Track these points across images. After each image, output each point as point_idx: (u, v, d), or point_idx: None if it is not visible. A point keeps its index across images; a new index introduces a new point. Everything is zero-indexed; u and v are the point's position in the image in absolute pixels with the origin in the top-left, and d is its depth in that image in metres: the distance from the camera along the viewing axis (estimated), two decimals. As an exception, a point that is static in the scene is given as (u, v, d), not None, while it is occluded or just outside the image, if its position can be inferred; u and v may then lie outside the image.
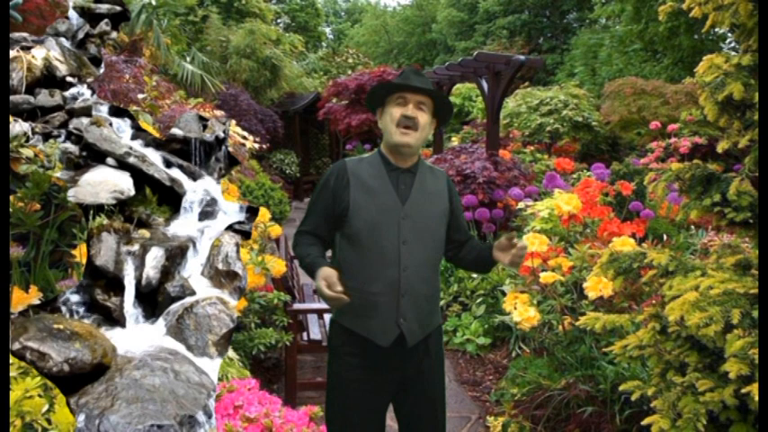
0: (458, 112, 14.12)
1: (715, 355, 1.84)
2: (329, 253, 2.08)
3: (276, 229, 4.33)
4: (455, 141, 11.47)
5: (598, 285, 2.87)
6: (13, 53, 3.66)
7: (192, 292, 2.91)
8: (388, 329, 1.89)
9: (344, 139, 12.80)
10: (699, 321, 1.74)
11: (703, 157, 7.29)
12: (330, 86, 12.22)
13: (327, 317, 4.01)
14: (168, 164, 3.85)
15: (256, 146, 7.09)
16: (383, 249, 1.89)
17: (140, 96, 4.85)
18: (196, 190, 3.72)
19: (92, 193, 3.01)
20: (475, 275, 4.81)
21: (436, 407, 2.07)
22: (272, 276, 3.60)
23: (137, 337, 2.55)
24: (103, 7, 5.55)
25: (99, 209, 2.97)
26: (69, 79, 4.20)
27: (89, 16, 5.38)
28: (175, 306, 2.81)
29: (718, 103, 2.00)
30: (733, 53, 2.17)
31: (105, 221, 2.84)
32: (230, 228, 3.58)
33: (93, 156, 3.39)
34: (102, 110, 3.99)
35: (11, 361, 1.80)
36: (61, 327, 2.12)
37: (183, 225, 3.47)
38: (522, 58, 6.15)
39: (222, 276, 3.06)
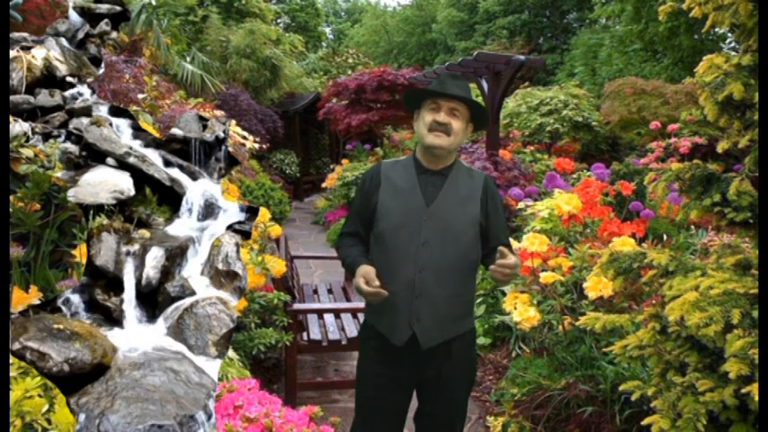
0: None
1: (715, 355, 1.84)
2: None
3: (276, 229, 4.33)
4: (455, 141, 11.45)
5: (598, 285, 2.87)
6: (13, 53, 3.66)
7: (192, 292, 2.92)
8: (402, 329, 1.92)
9: (344, 139, 12.80)
10: (699, 321, 1.74)
11: (703, 157, 7.29)
12: (330, 86, 12.22)
13: (327, 317, 4.01)
14: (168, 164, 3.85)
15: (256, 146, 7.09)
16: (403, 249, 1.91)
17: (140, 96, 4.85)
18: (196, 190, 3.73)
19: (92, 193, 3.01)
20: (475, 275, 4.80)
21: (455, 412, 2.06)
22: (272, 276, 3.60)
23: (137, 337, 2.55)
24: (103, 7, 5.55)
25: (99, 209, 2.97)
26: (69, 79, 4.20)
27: (89, 16, 5.38)
28: (175, 306, 2.82)
29: (718, 103, 2.00)
30: (733, 53, 2.17)
31: (105, 221, 2.85)
32: (230, 228, 3.58)
33: (93, 156, 3.39)
34: (102, 110, 3.99)
35: (11, 361, 1.80)
36: (61, 327, 2.12)
37: (183, 225, 3.48)
38: (522, 58, 6.15)
39: (222, 276, 3.06)
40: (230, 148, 4.79)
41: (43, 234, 2.54)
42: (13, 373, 1.73)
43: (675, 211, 4.86)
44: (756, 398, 1.56)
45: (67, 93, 4.01)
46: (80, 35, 5.02)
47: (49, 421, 1.67)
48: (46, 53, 4.04)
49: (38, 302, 2.33)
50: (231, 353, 3.01)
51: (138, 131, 4.04)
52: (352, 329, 3.75)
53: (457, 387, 2.04)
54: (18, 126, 2.99)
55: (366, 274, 1.84)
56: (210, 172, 4.25)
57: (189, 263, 3.08)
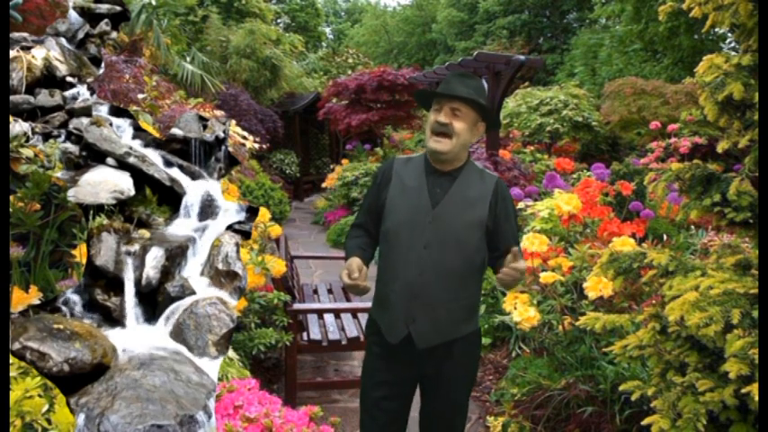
0: (458, 112, 14.10)
1: (715, 355, 1.84)
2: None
3: (276, 229, 4.33)
4: (455, 141, 11.45)
5: (598, 285, 2.87)
6: (13, 53, 3.66)
7: (192, 292, 2.91)
8: (397, 328, 1.92)
9: (344, 139, 12.81)
10: (699, 321, 1.74)
11: (703, 157, 7.29)
12: (330, 86, 12.23)
13: (327, 317, 4.01)
14: (168, 164, 3.85)
15: (256, 146, 7.09)
16: (406, 250, 1.91)
17: (140, 96, 4.84)
18: (196, 190, 3.72)
19: (92, 193, 3.01)
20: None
21: (455, 412, 2.06)
22: (272, 276, 3.60)
23: (137, 337, 2.55)
24: (103, 7, 5.55)
25: (99, 209, 2.96)
26: (69, 79, 4.20)
27: (89, 16, 5.38)
28: (175, 306, 2.81)
29: (718, 103, 2.00)
30: (733, 53, 2.17)
31: (105, 221, 2.84)
32: (230, 228, 3.58)
33: (93, 156, 3.39)
34: (102, 110, 3.99)
35: (11, 361, 1.80)
36: (61, 327, 2.12)
37: (183, 225, 3.47)
38: (522, 58, 6.15)
39: (222, 276, 3.06)
40: (230, 148, 4.79)
41: (43, 234, 2.54)
42: (13, 373, 1.73)
43: (675, 211, 4.86)
44: (756, 398, 1.56)
45: (67, 93, 4.01)
46: (80, 35, 5.01)
47: (49, 421, 1.67)
48: (46, 53, 4.04)
49: (38, 302, 2.33)
50: (231, 353, 3.01)
51: (138, 131, 4.04)
52: (352, 329, 3.75)
53: (458, 387, 2.03)
54: (18, 126, 2.99)
55: (349, 266, 1.86)
56: (210, 172, 4.25)
57: (189, 263, 3.08)
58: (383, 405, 2.04)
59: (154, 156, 3.77)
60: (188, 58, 9.40)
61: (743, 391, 1.62)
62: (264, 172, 9.89)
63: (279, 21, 19.63)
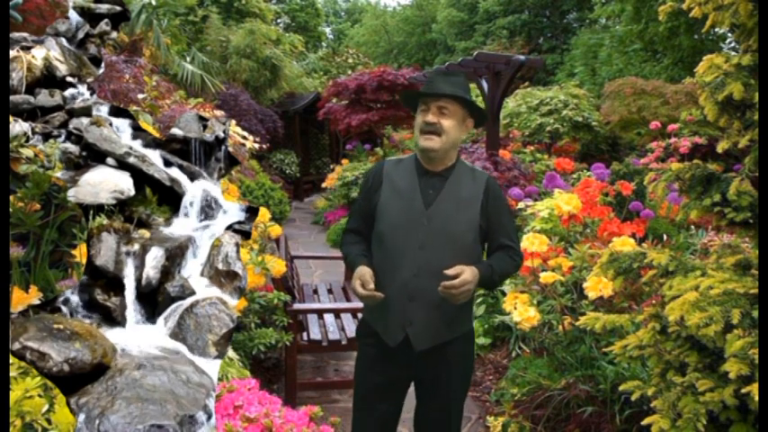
0: (458, 112, 14.09)
1: (715, 355, 1.84)
2: None
3: (276, 229, 4.33)
4: (455, 141, 11.45)
5: (598, 285, 2.87)
6: (13, 53, 3.66)
7: (192, 292, 2.92)
8: (395, 331, 1.92)
9: (344, 139, 12.81)
10: (699, 321, 1.74)
11: (703, 157, 7.29)
12: (330, 86, 12.22)
13: (327, 317, 4.01)
14: (168, 164, 3.85)
15: (256, 146, 7.08)
16: (400, 252, 1.90)
17: (140, 96, 4.84)
18: (196, 190, 3.72)
19: (92, 193, 3.01)
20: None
21: (450, 415, 2.06)
22: (272, 276, 3.60)
23: (137, 337, 2.55)
24: (103, 7, 5.55)
25: (99, 209, 2.97)
26: (69, 79, 4.20)
27: (89, 16, 5.38)
28: (175, 306, 2.82)
29: (718, 103, 2.00)
30: (733, 53, 2.17)
31: (105, 221, 2.85)
32: (230, 228, 3.58)
33: (93, 156, 3.39)
34: (102, 110, 3.99)
35: (11, 361, 1.80)
36: (61, 327, 2.12)
37: (182, 225, 3.48)
38: (522, 58, 6.15)
39: (222, 276, 3.06)
40: (230, 148, 4.79)
41: (43, 234, 2.54)
42: (13, 373, 1.73)
43: (675, 211, 4.86)
44: (756, 398, 1.55)
45: (67, 93, 4.01)
46: (80, 35, 5.01)
47: (49, 421, 1.67)
48: (46, 53, 4.04)
49: (38, 302, 2.33)
50: (231, 353, 3.01)
51: (138, 131, 4.04)
52: (352, 329, 3.75)
53: (453, 388, 2.03)
54: (18, 126, 2.99)
55: (362, 276, 1.84)
56: (210, 172, 4.25)
57: (189, 263, 3.08)
58: (377, 407, 2.03)
59: (154, 156, 3.77)
60: (188, 58, 9.40)
61: (743, 391, 1.62)
62: (264, 172, 9.89)
63: (279, 21, 19.63)
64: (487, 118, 2.00)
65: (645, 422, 1.88)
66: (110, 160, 3.37)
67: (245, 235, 3.57)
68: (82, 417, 1.84)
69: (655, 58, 13.74)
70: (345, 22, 36.14)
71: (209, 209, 3.69)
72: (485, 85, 6.62)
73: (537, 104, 10.90)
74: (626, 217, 4.51)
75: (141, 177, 3.44)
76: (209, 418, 2.10)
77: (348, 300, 4.44)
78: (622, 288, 2.83)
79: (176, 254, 2.96)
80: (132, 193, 3.24)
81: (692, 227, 5.06)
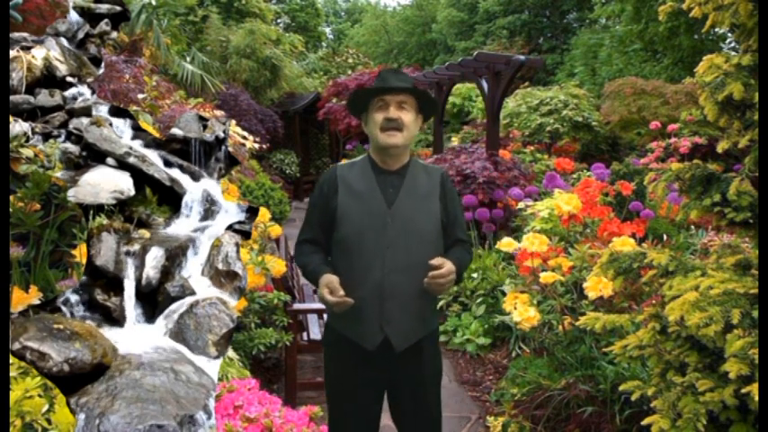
0: (458, 112, 14.12)
1: (715, 355, 1.84)
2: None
3: (276, 229, 4.33)
4: (455, 141, 11.47)
5: (598, 285, 2.87)
6: (13, 53, 3.66)
7: (192, 292, 2.91)
8: (373, 333, 1.89)
9: (344, 139, 12.82)
10: (699, 321, 1.74)
11: (703, 157, 7.29)
12: (330, 86, 12.23)
13: (327, 317, 4.01)
14: (168, 164, 3.85)
15: (256, 146, 7.08)
16: (368, 253, 1.88)
17: (140, 96, 4.84)
18: (196, 190, 3.72)
19: (92, 193, 3.01)
20: (475, 275, 4.81)
21: (431, 414, 2.05)
22: (272, 276, 3.60)
23: (137, 337, 2.55)
24: (103, 7, 5.54)
25: (99, 209, 2.97)
26: (69, 79, 4.20)
27: (89, 16, 5.38)
28: (175, 306, 2.81)
29: (718, 103, 2.00)
30: (733, 53, 2.17)
31: (105, 221, 2.85)
32: (230, 228, 3.58)
33: (93, 156, 3.39)
34: (102, 110, 3.99)
35: (11, 361, 1.80)
36: (61, 327, 2.12)
37: (183, 225, 3.47)
38: (522, 58, 6.15)
39: (222, 276, 3.06)
40: (230, 148, 4.79)
41: (43, 234, 2.54)
42: (13, 373, 1.73)
43: (675, 211, 4.86)
44: (756, 398, 1.56)
45: (67, 93, 4.01)
46: (80, 35, 5.01)
47: (49, 421, 1.67)
48: (46, 53, 4.04)
49: (38, 302, 2.33)
50: (231, 353, 3.01)
51: (138, 131, 4.04)
52: (352, 329, 3.75)
53: (429, 389, 2.03)
54: (18, 126, 2.99)
55: (329, 283, 1.81)
56: (210, 172, 4.25)
57: (189, 263, 3.08)
58: (356, 415, 2.00)
59: (154, 156, 3.77)
60: (188, 58, 9.40)
61: (743, 391, 1.62)
62: (264, 172, 9.88)
63: (279, 21, 19.63)
64: (437, 110, 2.01)
65: (645, 422, 1.88)
66: (110, 160, 3.37)
67: (245, 235, 3.57)
68: (82, 417, 1.84)
69: (655, 58, 13.74)
70: (345, 22, 36.14)
71: (209, 209, 3.69)
72: (485, 85, 6.61)
73: (537, 104, 10.90)
74: (626, 217, 4.51)
75: (141, 177, 3.44)
76: (210, 418, 2.10)
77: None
78: (622, 288, 2.83)
79: (176, 254, 2.96)
80: (132, 193, 3.24)
81: (692, 227, 5.06)
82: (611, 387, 2.80)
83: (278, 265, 3.49)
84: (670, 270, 2.11)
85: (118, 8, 5.76)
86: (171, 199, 3.60)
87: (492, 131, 6.69)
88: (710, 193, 2.11)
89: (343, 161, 2.23)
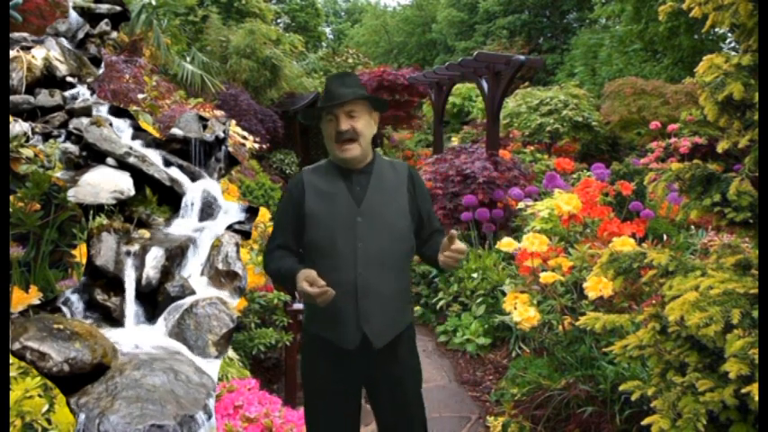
0: (458, 112, 14.12)
1: (715, 355, 1.84)
2: None
3: (276, 229, 4.32)
4: (455, 141, 11.47)
5: (598, 285, 2.87)
6: (13, 53, 3.66)
7: (192, 292, 2.91)
8: (352, 333, 1.88)
9: (344, 139, 12.80)
10: (699, 321, 1.74)
11: (703, 157, 7.28)
12: (330, 86, 12.20)
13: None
14: (168, 164, 3.85)
15: (256, 146, 7.08)
16: (340, 254, 1.87)
17: (140, 96, 4.84)
18: (196, 190, 3.72)
19: (92, 193, 3.01)
20: (475, 275, 4.81)
21: (411, 414, 2.02)
22: (272, 276, 3.60)
23: (137, 337, 2.55)
24: (103, 7, 5.54)
25: (99, 209, 2.96)
26: (69, 79, 4.20)
27: (89, 16, 5.38)
28: (175, 306, 2.82)
29: (718, 103, 2.00)
30: (733, 53, 2.17)
31: (105, 221, 2.85)
32: (230, 228, 3.58)
33: (93, 156, 3.39)
34: (102, 110, 3.99)
35: (11, 361, 1.80)
36: (61, 327, 2.12)
37: (183, 225, 3.47)
38: (522, 58, 6.14)
39: (222, 276, 3.06)
40: (230, 148, 4.79)
41: (43, 234, 2.54)
42: (13, 373, 1.73)
43: (675, 211, 4.86)
44: (756, 398, 1.56)
45: (67, 93, 4.01)
46: (80, 35, 5.02)
47: (49, 421, 1.67)
48: (46, 53, 4.04)
49: (38, 302, 2.33)
50: (231, 353, 3.01)
51: (138, 131, 4.05)
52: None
53: (408, 386, 2.01)
54: (18, 126, 2.99)
55: (308, 276, 1.77)
56: (210, 172, 4.24)
57: (189, 263, 3.08)
58: (337, 420, 1.98)
59: (154, 156, 3.77)
60: (188, 58, 9.40)
61: (743, 391, 1.62)
62: (264, 172, 9.88)
63: (279, 21, 19.63)
64: (387, 104, 1.98)
65: (645, 422, 1.88)
66: (110, 160, 3.37)
67: (245, 235, 3.57)
68: (82, 417, 1.84)
69: (655, 58, 13.74)
70: (345, 22, 36.14)
71: (209, 209, 3.69)
72: (485, 85, 6.61)
73: (537, 104, 10.90)
74: (626, 217, 4.51)
75: (141, 177, 3.44)
76: (210, 418, 2.10)
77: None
78: (622, 288, 2.83)
79: (176, 254, 2.96)
80: (132, 193, 3.25)
81: (692, 227, 5.06)
82: (611, 387, 2.80)
83: (278, 265, 3.49)
84: (670, 270, 2.11)
85: (118, 8, 5.76)
86: (171, 199, 3.60)
87: (492, 131, 6.69)
88: (710, 193, 2.11)
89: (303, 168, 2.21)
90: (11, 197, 2.39)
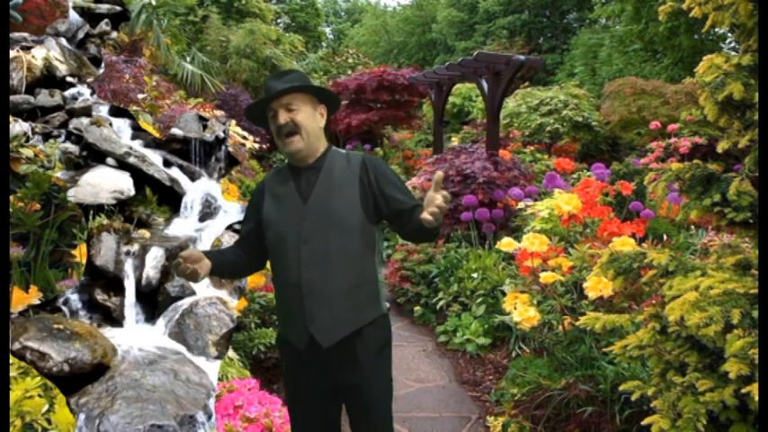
0: (458, 112, 14.12)
1: (715, 355, 1.84)
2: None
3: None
4: (455, 141, 11.48)
5: (598, 285, 2.87)
6: (13, 53, 3.66)
7: (192, 293, 2.92)
8: (301, 332, 1.87)
9: (344, 139, 12.81)
10: (699, 321, 1.74)
11: (703, 157, 7.29)
12: (330, 86, 12.22)
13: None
14: (168, 164, 3.85)
15: (256, 146, 7.08)
16: (287, 253, 1.87)
17: (140, 96, 4.84)
18: (196, 190, 3.72)
19: (92, 193, 3.01)
20: (475, 275, 4.81)
21: (370, 425, 1.95)
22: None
23: (137, 337, 2.56)
24: (103, 7, 5.54)
25: (99, 209, 2.97)
26: (69, 79, 4.20)
27: (89, 16, 5.38)
28: (175, 306, 2.82)
29: (718, 103, 2.00)
30: (733, 53, 2.17)
31: (105, 221, 2.85)
32: (230, 227, 3.58)
33: (94, 156, 3.40)
34: (102, 110, 3.99)
35: (11, 361, 1.80)
36: (61, 327, 2.12)
37: (183, 225, 3.48)
38: (522, 58, 6.15)
39: (222, 276, 3.06)
40: (230, 148, 4.79)
41: (43, 234, 2.54)
42: (13, 373, 1.73)
43: (675, 211, 4.86)
44: (756, 398, 1.56)
45: (67, 93, 4.01)
46: (80, 35, 5.02)
47: (49, 421, 1.67)
48: (46, 53, 4.04)
49: (38, 302, 2.33)
50: (231, 353, 3.01)
51: (138, 131, 4.05)
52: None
53: (372, 387, 1.91)
54: (18, 126, 2.99)
55: (190, 252, 1.80)
56: (210, 172, 4.24)
57: (189, 263, 3.07)
58: (305, 415, 1.98)
59: (154, 156, 3.77)
60: (188, 58, 9.40)
61: (743, 391, 1.62)
62: (264, 172, 9.88)
63: (279, 21, 19.64)
64: (338, 98, 1.91)
65: (645, 422, 1.88)
66: (110, 160, 3.37)
67: (245, 235, 3.57)
68: (82, 417, 1.84)
69: (655, 58, 13.74)
70: (345, 22, 36.14)
71: (209, 209, 3.69)
72: (485, 85, 6.61)
73: (537, 104, 10.90)
74: (626, 217, 4.51)
75: (141, 177, 3.44)
76: (210, 418, 2.10)
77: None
78: (622, 288, 2.83)
79: (176, 254, 2.96)
80: (132, 193, 3.25)
81: (692, 227, 5.06)
82: (611, 387, 2.80)
83: (278, 265, 3.49)
84: (670, 270, 2.11)
85: (118, 8, 5.76)
86: (171, 199, 3.60)
87: (492, 131, 6.69)
88: (710, 193, 2.12)
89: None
90: (11, 197, 2.39)
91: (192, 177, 3.87)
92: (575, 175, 7.62)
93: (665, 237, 4.59)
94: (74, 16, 5.03)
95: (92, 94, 4.24)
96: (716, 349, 1.80)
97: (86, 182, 3.06)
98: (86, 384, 2.06)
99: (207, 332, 2.68)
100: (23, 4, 4.17)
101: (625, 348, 2.15)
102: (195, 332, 2.66)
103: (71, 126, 3.59)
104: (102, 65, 4.99)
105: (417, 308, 5.22)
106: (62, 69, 4.15)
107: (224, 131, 4.49)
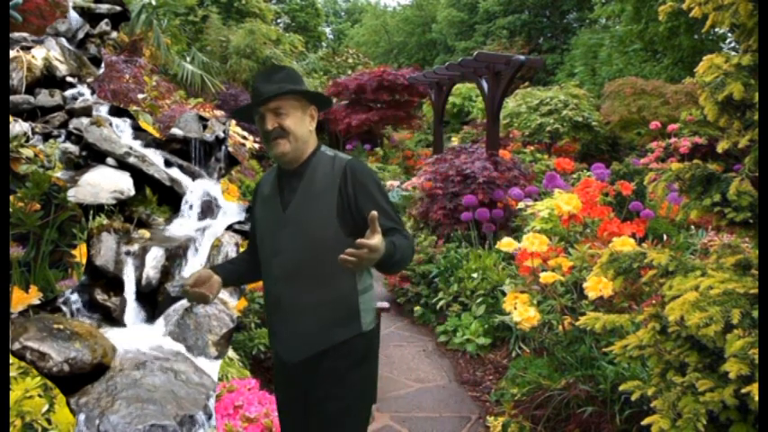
0: (458, 112, 14.12)
1: (715, 355, 1.84)
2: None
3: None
4: (455, 141, 11.48)
5: (598, 285, 2.87)
6: (13, 53, 3.66)
7: (192, 292, 2.90)
8: (272, 344, 1.87)
9: (344, 139, 12.81)
10: (699, 321, 1.74)
11: (703, 157, 7.29)
12: (330, 86, 12.24)
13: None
14: (168, 164, 3.85)
15: (256, 146, 7.08)
16: (265, 262, 1.83)
17: (140, 96, 4.84)
18: (196, 190, 3.72)
19: (92, 193, 3.02)
20: (475, 275, 4.81)
21: None
22: (272, 276, 3.60)
23: (137, 337, 2.56)
24: (103, 7, 5.55)
25: (99, 209, 2.97)
26: (69, 79, 4.20)
27: (89, 16, 5.38)
28: (176, 306, 2.82)
29: (718, 103, 2.00)
30: (733, 53, 2.18)
31: (105, 221, 2.85)
32: (230, 228, 3.58)
33: (94, 156, 3.40)
34: (102, 110, 3.99)
35: (11, 361, 1.80)
36: (61, 327, 2.12)
37: (183, 225, 3.48)
38: (522, 58, 6.15)
39: (222, 276, 3.05)
40: (230, 148, 4.79)
41: (43, 234, 2.54)
42: (13, 373, 1.73)
43: (675, 211, 4.86)
44: (756, 398, 1.56)
45: (67, 93, 4.02)
46: (80, 35, 5.02)
47: (49, 421, 1.67)
48: (46, 53, 4.05)
49: (38, 302, 2.33)
50: (231, 353, 3.01)
51: (138, 131, 4.05)
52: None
53: (328, 412, 1.75)
54: (18, 126, 2.99)
55: (199, 273, 1.77)
56: (210, 172, 4.25)
57: (189, 263, 3.08)
58: (295, 424, 1.91)
59: (154, 156, 3.77)
60: (188, 58, 9.40)
61: (743, 391, 1.62)
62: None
63: (279, 21, 19.64)
64: (330, 99, 1.82)
65: (645, 422, 1.88)
66: (110, 160, 3.38)
67: (245, 235, 3.57)
68: (82, 417, 1.84)
69: (655, 58, 13.74)
70: (345, 22, 36.14)
71: (209, 209, 3.69)
72: (485, 85, 6.61)
73: (537, 104, 10.90)
74: (626, 217, 4.51)
75: (141, 177, 3.44)
76: (210, 418, 2.10)
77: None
78: (622, 288, 2.83)
79: (176, 254, 2.97)
80: (132, 193, 3.25)
81: (692, 227, 5.06)
82: (611, 387, 2.80)
83: (278, 265, 3.49)
84: (670, 270, 2.11)
85: (118, 8, 5.76)
86: (171, 199, 3.61)
87: (492, 131, 6.69)
88: (710, 193, 2.12)
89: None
90: (11, 197, 2.39)
91: (193, 177, 3.87)
92: (575, 175, 7.63)
93: (665, 237, 4.59)
94: (74, 16, 5.03)
95: (92, 94, 4.25)
96: (716, 349, 1.80)
97: (86, 182, 3.06)
98: (86, 384, 2.06)
99: (207, 332, 2.68)
100: (23, 4, 4.17)
101: (625, 348, 2.15)
102: (195, 332, 2.66)
103: (71, 126, 3.59)
104: (102, 65, 4.99)
105: (417, 308, 5.22)
106: (62, 69, 4.15)
107: (224, 131, 4.49)
